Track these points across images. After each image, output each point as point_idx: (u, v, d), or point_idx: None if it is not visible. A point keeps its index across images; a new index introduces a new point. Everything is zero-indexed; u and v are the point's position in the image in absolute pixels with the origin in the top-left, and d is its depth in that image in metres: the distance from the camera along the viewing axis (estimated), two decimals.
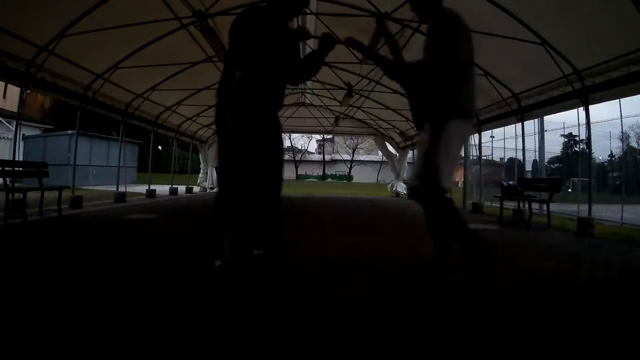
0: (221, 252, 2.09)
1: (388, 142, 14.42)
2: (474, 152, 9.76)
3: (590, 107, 5.24)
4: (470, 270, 2.12)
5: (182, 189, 12.16)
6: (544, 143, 8.30)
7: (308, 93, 12.12)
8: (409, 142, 12.97)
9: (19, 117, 6.09)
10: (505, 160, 14.67)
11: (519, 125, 7.07)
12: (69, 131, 14.15)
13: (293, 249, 3.19)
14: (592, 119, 5.35)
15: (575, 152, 18.04)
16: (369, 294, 2.07)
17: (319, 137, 46.42)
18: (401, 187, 13.88)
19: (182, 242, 3.62)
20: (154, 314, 1.68)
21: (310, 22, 7.16)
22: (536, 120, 7.95)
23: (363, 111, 12.29)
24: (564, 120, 10.06)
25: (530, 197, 5.96)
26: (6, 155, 8.09)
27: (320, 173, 49.04)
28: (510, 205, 6.65)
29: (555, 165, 17.10)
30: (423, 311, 1.81)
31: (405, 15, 5.39)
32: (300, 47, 2.32)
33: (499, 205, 6.54)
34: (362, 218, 6.76)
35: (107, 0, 4.77)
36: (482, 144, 8.79)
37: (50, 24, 4.95)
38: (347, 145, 47.40)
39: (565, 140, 18.74)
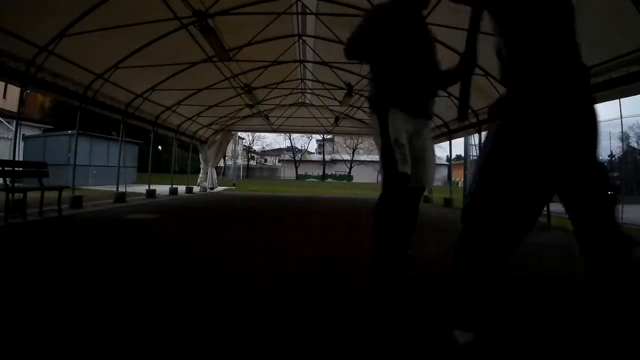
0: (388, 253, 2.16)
1: None
2: (474, 152, 9.78)
3: None
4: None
5: (182, 189, 12.15)
6: None
7: (308, 93, 12.11)
8: None
9: (19, 117, 6.08)
10: None
11: None
12: (69, 131, 14.13)
13: (294, 248, 3.18)
14: None
15: None
16: (369, 294, 2.07)
17: (319, 137, 46.48)
18: None
19: (182, 242, 3.62)
20: (155, 313, 1.68)
21: (310, 22, 7.16)
22: None
23: (363, 111, 12.28)
24: None
25: None
26: (6, 155, 8.09)
27: (320, 173, 49.03)
28: None
29: None
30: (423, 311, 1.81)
31: None
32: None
33: None
34: (362, 217, 6.75)
35: (107, 0, 4.77)
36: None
37: (50, 24, 4.94)
38: (347, 145, 47.39)
39: None
